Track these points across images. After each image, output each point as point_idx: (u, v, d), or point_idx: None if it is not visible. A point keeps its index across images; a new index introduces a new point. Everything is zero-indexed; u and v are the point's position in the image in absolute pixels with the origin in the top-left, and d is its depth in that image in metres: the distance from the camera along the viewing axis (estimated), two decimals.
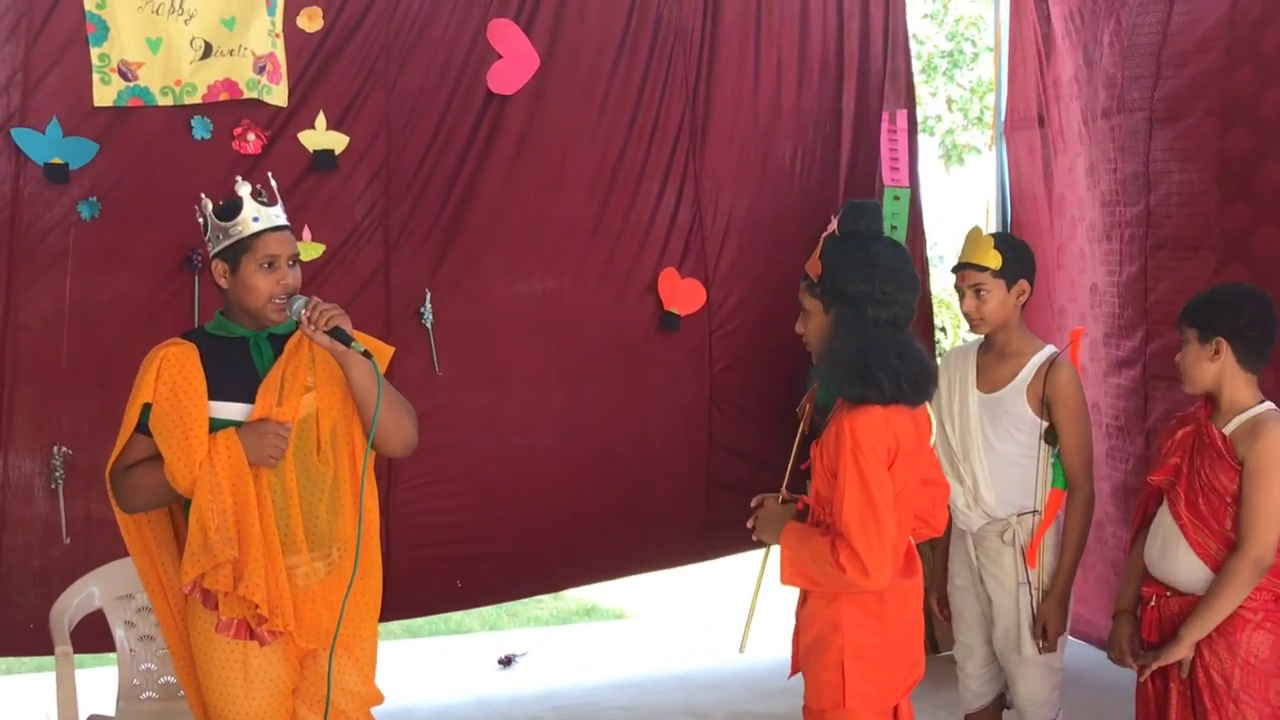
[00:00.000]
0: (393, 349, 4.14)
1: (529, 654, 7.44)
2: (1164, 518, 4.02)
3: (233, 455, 3.74)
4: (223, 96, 5.85)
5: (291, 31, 5.98)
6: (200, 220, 3.92)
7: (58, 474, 5.74)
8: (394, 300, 6.30)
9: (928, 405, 3.68)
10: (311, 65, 6.04)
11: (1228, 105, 5.95)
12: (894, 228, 7.23)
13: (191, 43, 5.77)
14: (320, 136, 6.07)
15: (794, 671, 3.71)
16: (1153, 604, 4.02)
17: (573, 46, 6.56)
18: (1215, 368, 3.93)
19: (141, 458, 3.84)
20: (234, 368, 3.85)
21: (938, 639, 6.93)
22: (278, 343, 3.92)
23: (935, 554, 4.94)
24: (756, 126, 7.07)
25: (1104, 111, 6.56)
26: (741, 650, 3.95)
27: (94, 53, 5.67)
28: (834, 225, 3.61)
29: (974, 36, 16.97)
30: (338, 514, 3.90)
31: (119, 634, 4.89)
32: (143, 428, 3.83)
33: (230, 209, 3.84)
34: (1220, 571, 3.83)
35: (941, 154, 17.55)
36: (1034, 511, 4.52)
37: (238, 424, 3.80)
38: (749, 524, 3.74)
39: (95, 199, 5.73)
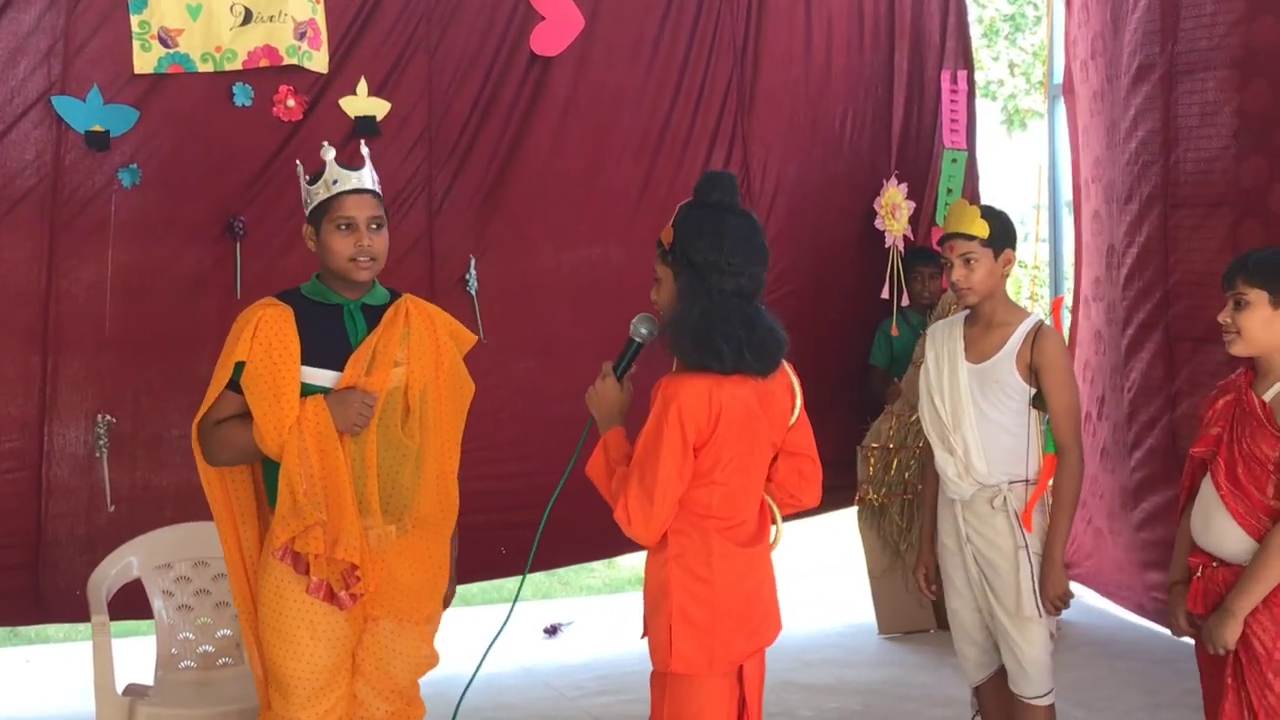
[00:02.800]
0: (476, 338, 4.23)
1: (575, 623, 7.41)
2: (1206, 489, 3.92)
3: (320, 421, 3.77)
4: (263, 63, 5.82)
5: None
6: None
7: (102, 442, 5.75)
8: (438, 267, 6.26)
9: (792, 376, 3.72)
10: (352, 30, 6.00)
11: (1247, 57, 5.81)
12: (950, 190, 7.12)
13: (231, 9, 5.74)
14: (362, 102, 6.03)
15: (643, 634, 3.73)
16: (1199, 575, 3.92)
17: (617, 6, 6.50)
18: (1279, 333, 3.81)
19: (231, 414, 3.85)
20: (327, 335, 3.87)
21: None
22: (371, 313, 3.94)
23: (922, 531, 4.91)
24: (806, 89, 6.98)
25: (1126, 69, 6.44)
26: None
27: (134, 20, 5.66)
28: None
29: None
30: (418, 486, 3.95)
31: (157, 603, 4.88)
32: (234, 385, 3.83)
33: (316, 173, 3.88)
34: (1263, 542, 3.73)
35: (1004, 119, 17.33)
36: (1025, 480, 4.49)
37: (326, 391, 3.82)
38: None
39: (136, 166, 5.72)
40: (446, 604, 4.20)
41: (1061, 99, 7.48)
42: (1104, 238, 6.73)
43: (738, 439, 3.52)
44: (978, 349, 4.56)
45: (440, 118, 6.21)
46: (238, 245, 5.85)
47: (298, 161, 4.02)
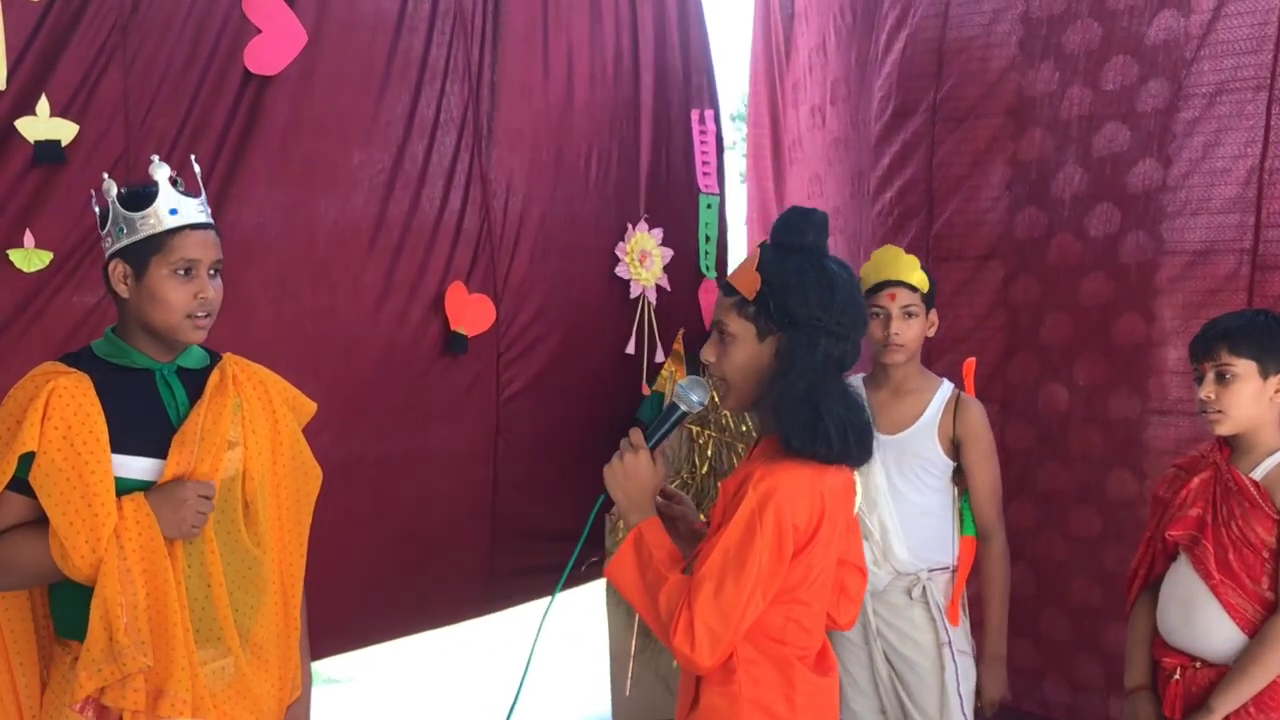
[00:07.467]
0: (315, 406, 3.48)
1: None
2: (1182, 578, 3.46)
3: (144, 529, 2.84)
4: None
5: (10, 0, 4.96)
6: (96, 209, 3.07)
7: None
8: None
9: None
10: (35, 40, 4.99)
11: (1022, 105, 5.58)
12: (708, 238, 6.60)
13: None
14: (43, 124, 5.03)
15: None
16: (1177, 677, 3.42)
17: (344, 22, 5.66)
18: (1266, 407, 3.38)
19: (13, 523, 2.87)
20: (139, 411, 2.98)
21: None
22: (190, 380, 3.06)
23: None
24: (548, 123, 6.34)
25: (878, 116, 6.12)
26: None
27: None
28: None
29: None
30: (259, 606, 3.07)
31: None
32: (18, 484, 2.85)
33: (141, 196, 3.03)
34: (1258, 635, 3.27)
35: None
36: (946, 568, 3.96)
37: (145, 485, 2.91)
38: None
39: None
40: None
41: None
42: None
43: (831, 545, 2.76)
44: (889, 418, 4.02)
45: (140, 143, 5.25)
46: None
47: (105, 174, 3.18)
